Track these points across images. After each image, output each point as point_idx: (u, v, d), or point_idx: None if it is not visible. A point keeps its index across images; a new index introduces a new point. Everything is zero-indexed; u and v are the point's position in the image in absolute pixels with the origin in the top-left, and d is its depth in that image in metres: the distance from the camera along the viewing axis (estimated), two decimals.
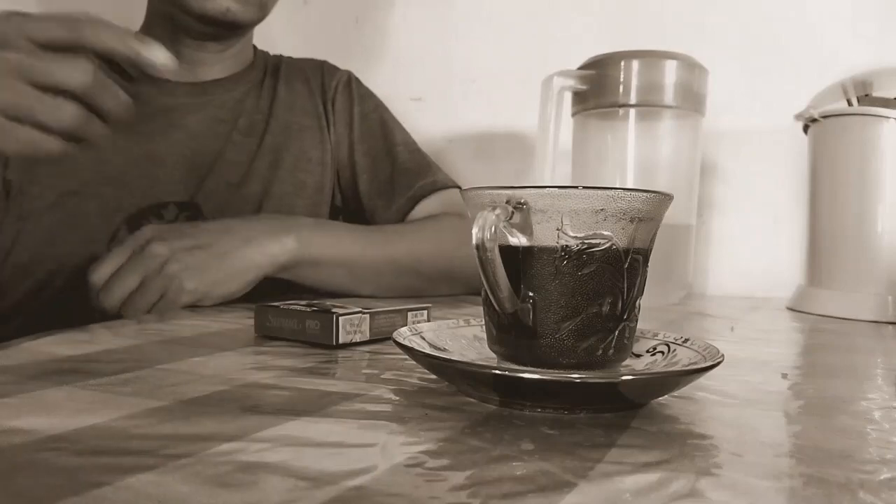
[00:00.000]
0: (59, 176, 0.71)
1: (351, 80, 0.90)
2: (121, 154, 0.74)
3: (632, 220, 0.30)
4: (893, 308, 0.66)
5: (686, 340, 0.34)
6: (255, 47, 0.90)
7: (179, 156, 0.77)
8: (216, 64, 0.83)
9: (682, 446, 0.26)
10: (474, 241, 0.28)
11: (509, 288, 0.29)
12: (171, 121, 0.78)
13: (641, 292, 0.32)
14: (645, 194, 0.30)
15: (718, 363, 0.29)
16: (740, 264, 0.93)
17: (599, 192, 0.29)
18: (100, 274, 0.57)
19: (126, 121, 0.49)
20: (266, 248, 0.62)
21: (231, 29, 0.78)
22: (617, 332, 0.30)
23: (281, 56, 0.92)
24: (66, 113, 0.45)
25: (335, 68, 0.91)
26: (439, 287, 0.73)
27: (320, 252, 0.65)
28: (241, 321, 0.52)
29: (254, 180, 0.79)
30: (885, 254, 0.68)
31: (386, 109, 0.90)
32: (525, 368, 0.30)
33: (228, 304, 0.64)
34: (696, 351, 0.33)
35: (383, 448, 0.24)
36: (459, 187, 0.81)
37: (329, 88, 0.88)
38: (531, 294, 0.30)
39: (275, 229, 0.64)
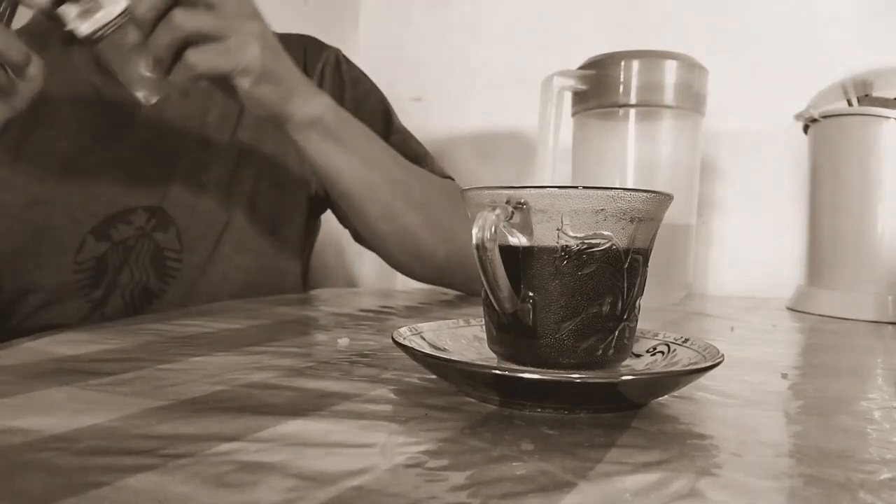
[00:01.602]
0: (25, 185, 0.68)
1: (340, 62, 0.82)
2: (86, 158, 0.70)
3: (632, 220, 0.30)
4: (893, 308, 0.66)
5: (686, 340, 0.34)
6: None
7: (145, 156, 0.72)
8: None
9: (682, 446, 0.26)
10: (474, 241, 0.28)
11: (509, 288, 0.29)
12: (135, 118, 0.73)
13: (641, 292, 0.32)
14: (645, 194, 0.30)
15: (718, 363, 0.29)
16: (740, 264, 0.93)
17: (599, 192, 0.29)
18: None
19: (24, 70, 0.50)
20: (316, 92, 0.61)
21: None
22: (617, 332, 0.30)
23: None
24: None
25: (320, 46, 0.83)
26: (443, 248, 0.69)
27: (346, 128, 0.63)
28: (242, 321, 0.52)
29: (225, 179, 0.74)
30: (885, 254, 0.68)
31: (379, 92, 0.84)
32: (525, 368, 0.30)
33: (228, 305, 0.64)
34: (696, 351, 0.33)
35: (383, 448, 0.24)
36: (452, 178, 0.80)
37: (314, 72, 0.80)
38: (531, 294, 0.30)
39: (314, 85, 0.62)
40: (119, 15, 0.51)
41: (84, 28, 0.50)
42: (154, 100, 0.56)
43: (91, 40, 0.51)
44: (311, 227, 0.84)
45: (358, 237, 0.84)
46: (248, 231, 0.75)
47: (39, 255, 0.68)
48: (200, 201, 0.73)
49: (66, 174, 0.70)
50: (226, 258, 0.73)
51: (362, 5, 1.14)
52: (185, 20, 0.50)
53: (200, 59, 0.51)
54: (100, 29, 0.51)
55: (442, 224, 0.69)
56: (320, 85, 0.80)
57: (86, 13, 0.50)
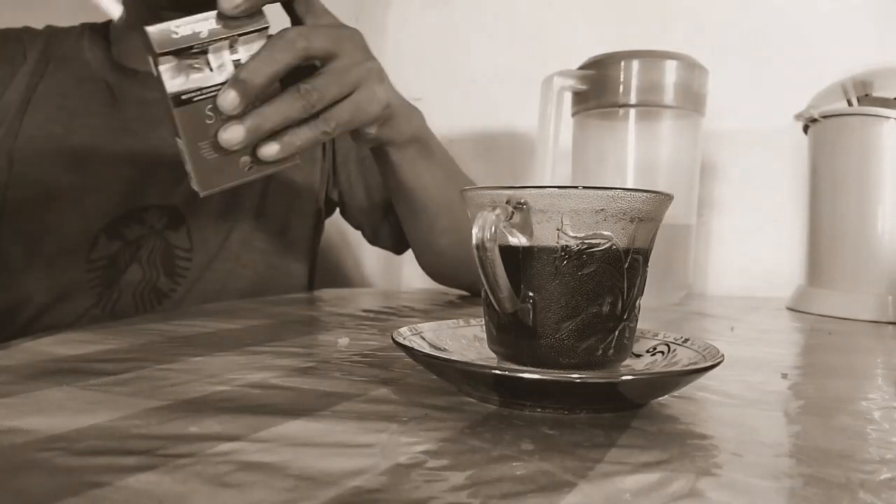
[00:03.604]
0: (40, 183, 0.68)
1: None
2: (101, 155, 0.70)
3: (632, 220, 0.30)
4: (893, 308, 0.66)
5: (686, 340, 0.34)
6: None
7: (160, 155, 0.72)
8: None
9: (682, 446, 0.26)
10: (474, 241, 0.28)
11: (509, 288, 0.29)
12: (150, 116, 0.73)
13: (641, 292, 0.32)
14: (645, 194, 0.30)
15: (718, 363, 0.29)
16: (740, 264, 0.93)
17: (599, 192, 0.29)
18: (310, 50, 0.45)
19: None
20: (412, 107, 0.59)
21: None
22: (617, 332, 0.30)
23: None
24: None
25: None
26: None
27: (435, 143, 0.63)
28: (242, 321, 0.52)
29: None
30: (885, 254, 0.68)
31: None
32: (525, 368, 0.30)
33: (229, 305, 0.64)
34: (696, 351, 0.33)
35: (383, 448, 0.24)
36: None
37: None
38: (531, 294, 0.30)
39: (407, 101, 0.59)
40: (219, 84, 0.43)
41: (174, 84, 0.42)
42: (212, 191, 0.45)
43: (177, 100, 0.42)
44: (318, 224, 0.84)
45: (371, 240, 0.84)
46: (257, 230, 0.75)
47: (52, 253, 0.68)
48: (211, 200, 0.73)
49: (79, 171, 0.70)
50: (234, 257, 0.74)
51: (362, 5, 1.14)
52: (322, 91, 0.46)
53: (335, 121, 0.47)
54: (192, 92, 0.42)
55: None
56: None
57: (183, 69, 0.42)
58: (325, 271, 1.02)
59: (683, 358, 0.33)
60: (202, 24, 0.42)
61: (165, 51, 0.41)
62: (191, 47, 0.41)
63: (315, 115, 0.46)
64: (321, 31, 0.47)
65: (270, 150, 0.45)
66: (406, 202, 0.66)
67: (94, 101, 0.74)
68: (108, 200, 0.69)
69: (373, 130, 0.53)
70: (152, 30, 0.41)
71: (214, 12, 0.42)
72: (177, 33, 0.41)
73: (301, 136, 0.46)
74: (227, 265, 0.73)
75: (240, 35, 0.43)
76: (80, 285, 0.68)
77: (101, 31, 0.80)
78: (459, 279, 0.76)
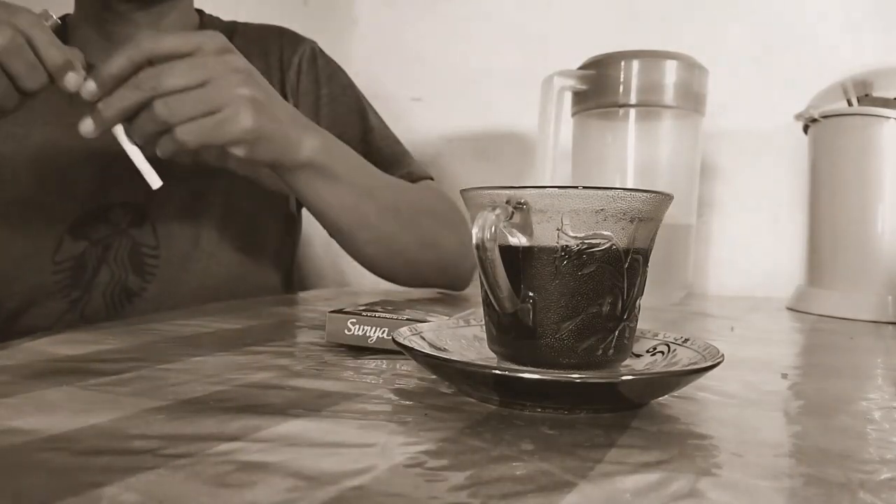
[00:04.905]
0: (1, 183, 0.67)
1: (316, 56, 0.80)
2: (62, 155, 0.69)
3: (632, 220, 0.30)
4: (893, 308, 0.66)
5: (686, 340, 0.34)
6: (201, 14, 0.80)
7: (121, 152, 0.69)
8: None
9: (682, 446, 0.26)
10: (474, 241, 0.28)
11: (509, 288, 0.29)
12: None
13: (641, 292, 0.32)
14: (645, 194, 0.30)
15: (718, 363, 0.29)
16: (740, 264, 0.93)
17: (599, 192, 0.29)
18: (159, 45, 0.49)
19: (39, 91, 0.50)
20: (305, 132, 0.58)
21: None
22: (617, 332, 0.30)
23: (235, 23, 0.82)
24: None
25: (297, 39, 0.81)
26: (427, 256, 0.69)
27: (338, 164, 0.61)
28: (242, 321, 0.52)
29: (200, 174, 0.72)
30: (885, 254, 0.68)
31: (356, 88, 0.81)
32: (525, 368, 0.30)
33: (228, 305, 0.64)
34: (696, 351, 0.33)
35: (383, 448, 0.24)
36: (432, 177, 0.78)
37: (290, 65, 0.79)
38: (531, 294, 0.30)
39: (306, 121, 0.59)
40: None
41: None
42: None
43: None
44: (292, 221, 0.82)
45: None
46: (227, 229, 0.74)
47: (17, 257, 0.67)
48: (176, 196, 0.71)
49: (39, 170, 0.68)
50: (207, 254, 0.72)
51: (362, 5, 1.14)
52: (171, 110, 0.49)
53: (190, 136, 0.50)
54: None
55: (428, 235, 0.69)
56: (297, 79, 0.79)
57: None
58: (317, 272, 1.02)
59: (683, 358, 0.33)
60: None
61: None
62: None
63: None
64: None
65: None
66: (318, 220, 0.66)
67: (52, 100, 0.72)
68: (70, 200, 0.68)
69: (239, 152, 0.54)
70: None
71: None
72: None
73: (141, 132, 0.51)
74: (201, 265, 0.72)
75: None
76: (47, 288, 0.67)
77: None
78: (397, 279, 0.75)
